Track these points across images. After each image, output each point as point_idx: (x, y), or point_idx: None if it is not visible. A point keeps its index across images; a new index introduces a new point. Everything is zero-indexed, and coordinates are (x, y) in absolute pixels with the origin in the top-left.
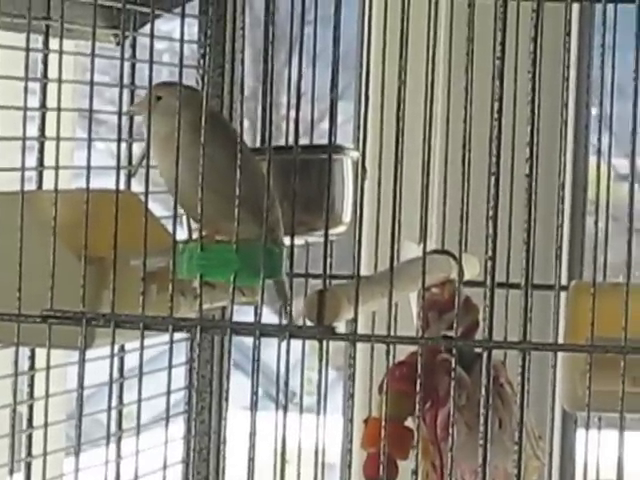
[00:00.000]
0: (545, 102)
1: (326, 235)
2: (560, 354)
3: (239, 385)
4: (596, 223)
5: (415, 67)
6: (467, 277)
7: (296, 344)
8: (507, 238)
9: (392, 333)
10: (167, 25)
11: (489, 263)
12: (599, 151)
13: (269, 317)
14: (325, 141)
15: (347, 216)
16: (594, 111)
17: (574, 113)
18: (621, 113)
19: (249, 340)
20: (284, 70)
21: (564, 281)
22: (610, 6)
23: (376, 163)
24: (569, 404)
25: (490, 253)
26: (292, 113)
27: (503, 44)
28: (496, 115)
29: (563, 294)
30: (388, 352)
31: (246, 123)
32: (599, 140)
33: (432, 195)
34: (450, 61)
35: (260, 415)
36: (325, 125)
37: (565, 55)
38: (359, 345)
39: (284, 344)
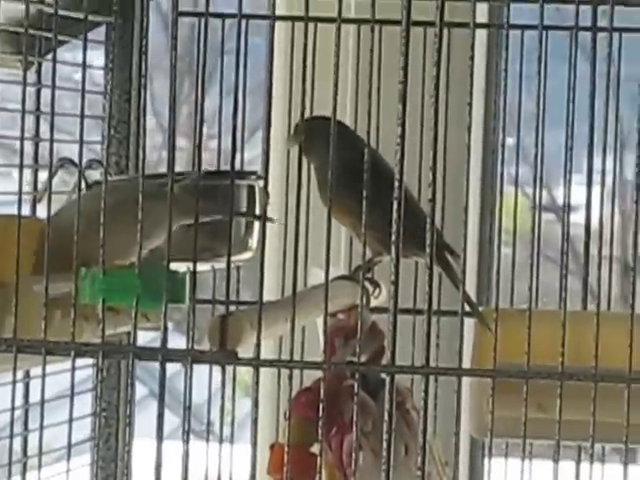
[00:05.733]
0: (453, 129)
1: (229, 260)
2: (468, 380)
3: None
4: (514, 253)
5: (322, 95)
6: (374, 303)
7: (216, 374)
8: (414, 264)
9: (299, 359)
10: (80, 52)
11: (392, 288)
12: (517, 180)
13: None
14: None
15: (254, 242)
16: (511, 141)
17: (482, 140)
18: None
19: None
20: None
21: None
22: (517, 32)
23: (283, 189)
24: (476, 430)
25: (393, 278)
26: (211, 143)
27: (406, 68)
28: (398, 140)
29: (472, 321)
30: (291, 377)
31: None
32: (517, 169)
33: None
34: (357, 85)
35: (174, 445)
36: (245, 155)
37: (470, 80)
38: (269, 371)
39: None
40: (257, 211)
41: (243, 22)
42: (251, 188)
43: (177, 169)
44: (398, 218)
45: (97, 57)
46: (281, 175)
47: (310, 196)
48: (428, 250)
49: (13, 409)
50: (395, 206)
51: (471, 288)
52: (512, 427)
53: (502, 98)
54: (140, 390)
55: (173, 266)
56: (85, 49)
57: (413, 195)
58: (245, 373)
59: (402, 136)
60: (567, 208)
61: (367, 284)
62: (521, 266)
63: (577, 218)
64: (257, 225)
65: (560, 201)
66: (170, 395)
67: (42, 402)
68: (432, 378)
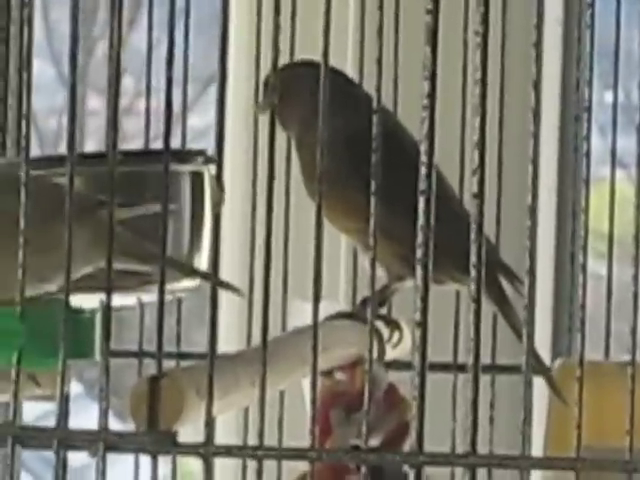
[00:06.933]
0: (512, 85)
1: (161, 290)
2: (540, 475)
3: None
4: (610, 274)
5: (308, 33)
6: (392, 355)
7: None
8: (454, 294)
9: (275, 444)
10: None
11: (418, 331)
12: (613, 160)
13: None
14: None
15: (203, 261)
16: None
17: (560, 100)
18: None
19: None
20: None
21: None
22: None
23: (248, 177)
24: None
25: (419, 316)
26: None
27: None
28: (426, 101)
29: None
30: (260, 472)
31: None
32: (614, 141)
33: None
34: (362, 19)
35: None
36: (193, 122)
37: (538, 6)
38: (229, 463)
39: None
40: (206, 211)
41: None
42: (197, 177)
43: (89, 146)
44: (426, 223)
45: None
46: (245, 157)
47: (291, 188)
48: (474, 273)
49: None
50: (422, 205)
51: (543, 331)
52: None
53: (589, 32)
54: None
55: (76, 300)
56: None
57: (451, 188)
58: (190, 463)
59: (432, 95)
60: None
61: (380, 325)
62: (624, 294)
63: None
64: (208, 234)
65: None
66: None
67: None
68: (483, 471)
